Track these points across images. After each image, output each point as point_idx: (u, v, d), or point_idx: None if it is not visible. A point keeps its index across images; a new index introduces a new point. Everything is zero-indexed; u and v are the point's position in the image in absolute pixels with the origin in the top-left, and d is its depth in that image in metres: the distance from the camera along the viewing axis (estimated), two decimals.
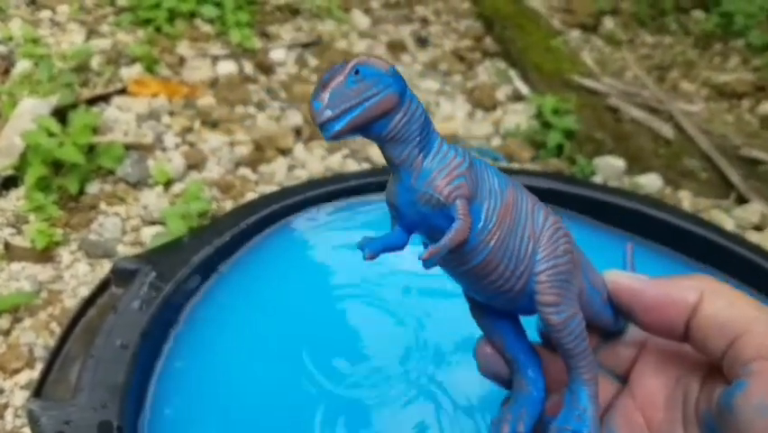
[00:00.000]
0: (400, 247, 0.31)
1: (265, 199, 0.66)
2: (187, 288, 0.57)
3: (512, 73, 1.66)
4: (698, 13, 1.95)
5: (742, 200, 1.34)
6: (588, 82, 1.59)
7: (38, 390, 0.48)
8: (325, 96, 0.27)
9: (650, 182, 1.35)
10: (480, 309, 0.35)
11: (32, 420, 0.44)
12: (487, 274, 0.31)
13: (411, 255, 0.31)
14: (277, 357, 0.56)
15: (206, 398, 0.53)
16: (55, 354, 0.52)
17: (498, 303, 0.33)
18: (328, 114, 0.27)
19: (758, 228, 1.27)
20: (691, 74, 1.75)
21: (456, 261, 0.31)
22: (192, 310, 0.57)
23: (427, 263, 0.29)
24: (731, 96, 1.67)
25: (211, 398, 0.53)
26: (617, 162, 1.38)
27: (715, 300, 0.32)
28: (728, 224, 1.25)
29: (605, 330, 0.36)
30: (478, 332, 0.36)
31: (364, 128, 0.28)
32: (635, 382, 0.36)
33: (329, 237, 0.65)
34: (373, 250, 0.30)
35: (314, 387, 0.54)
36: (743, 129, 1.56)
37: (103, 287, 0.57)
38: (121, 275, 0.56)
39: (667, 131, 1.48)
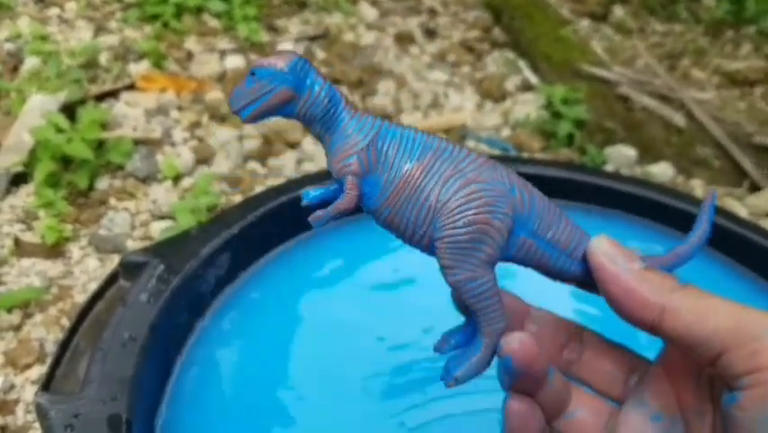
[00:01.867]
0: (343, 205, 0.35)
1: (274, 191, 0.65)
2: (196, 280, 0.57)
3: (521, 63, 1.65)
4: (708, 0, 1.93)
5: (755, 188, 1.32)
6: (598, 71, 1.58)
7: (46, 383, 0.48)
8: (232, 94, 0.33)
9: (662, 171, 1.34)
10: None
11: (41, 414, 0.44)
12: (394, 231, 0.35)
13: None
14: (289, 348, 0.56)
15: (217, 389, 0.53)
16: (63, 348, 0.51)
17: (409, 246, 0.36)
18: (234, 106, 0.33)
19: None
20: (703, 62, 1.73)
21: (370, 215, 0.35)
22: (201, 302, 0.57)
23: (314, 223, 0.34)
24: (743, 83, 1.65)
25: (221, 389, 0.53)
26: (629, 151, 1.37)
27: (681, 317, 0.31)
28: (742, 211, 1.24)
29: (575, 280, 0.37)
30: None
31: (271, 114, 0.33)
32: (668, 352, 0.35)
33: (339, 228, 0.65)
34: (310, 200, 0.35)
35: (332, 379, 0.54)
36: (755, 116, 1.54)
37: (111, 280, 0.57)
38: (129, 268, 0.56)
39: (679, 119, 1.47)
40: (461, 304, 0.37)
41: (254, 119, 0.33)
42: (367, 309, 0.60)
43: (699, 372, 0.34)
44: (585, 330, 0.38)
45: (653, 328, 0.32)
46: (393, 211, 0.34)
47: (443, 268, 0.34)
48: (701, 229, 0.36)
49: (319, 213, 0.34)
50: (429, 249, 0.34)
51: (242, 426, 0.51)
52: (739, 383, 0.30)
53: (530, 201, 0.35)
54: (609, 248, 0.34)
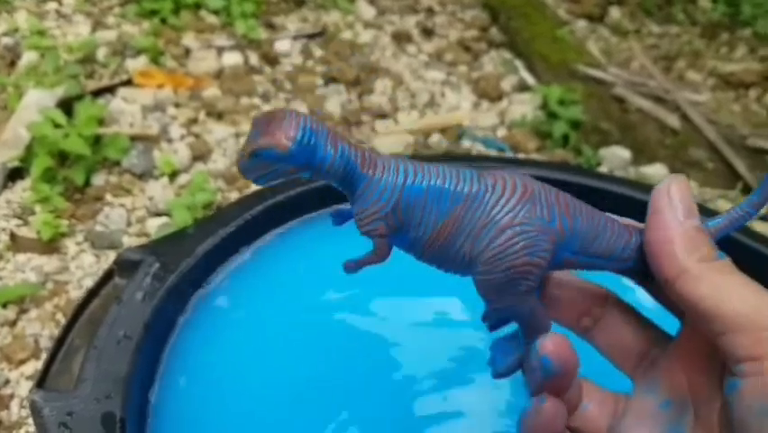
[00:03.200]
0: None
1: (271, 190, 0.65)
2: (191, 278, 0.57)
3: (518, 63, 1.65)
4: (705, 3, 1.94)
5: (748, 190, 1.33)
6: (594, 72, 1.58)
7: (41, 381, 0.48)
8: (240, 164, 0.32)
9: (656, 172, 1.35)
10: None
11: (35, 411, 0.45)
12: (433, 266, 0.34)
13: None
14: (286, 350, 0.56)
15: (211, 388, 0.53)
16: (58, 346, 0.52)
17: None
18: (248, 177, 0.32)
19: (764, 219, 1.26)
20: (698, 64, 1.74)
21: None
22: (197, 301, 0.57)
23: (346, 271, 0.34)
24: (738, 85, 1.66)
25: (216, 388, 0.53)
26: (623, 153, 1.38)
27: (697, 285, 0.31)
28: None
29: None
30: None
31: (288, 177, 0.32)
32: (683, 336, 0.35)
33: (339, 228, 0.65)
34: (339, 220, 0.36)
35: (327, 382, 0.54)
36: (750, 119, 1.55)
37: (106, 278, 0.57)
38: (124, 266, 0.56)
39: (673, 121, 1.48)
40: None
41: (270, 183, 0.33)
42: (368, 309, 0.60)
43: (711, 358, 0.33)
44: (611, 295, 0.37)
45: (667, 285, 0.32)
46: (428, 259, 0.34)
47: (481, 296, 0.34)
48: (755, 203, 0.34)
49: (350, 263, 0.34)
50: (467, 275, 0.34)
51: (237, 425, 0.52)
52: (740, 369, 0.29)
53: (572, 225, 0.34)
54: (676, 192, 0.33)
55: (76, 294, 0.95)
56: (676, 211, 0.32)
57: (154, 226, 1.08)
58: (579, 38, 1.76)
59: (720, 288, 0.30)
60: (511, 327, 0.37)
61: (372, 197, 0.32)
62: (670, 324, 0.36)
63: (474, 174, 0.33)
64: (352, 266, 0.34)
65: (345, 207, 0.36)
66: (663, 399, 0.34)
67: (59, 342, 0.52)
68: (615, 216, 0.36)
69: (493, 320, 0.38)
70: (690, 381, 0.34)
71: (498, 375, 0.36)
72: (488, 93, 1.52)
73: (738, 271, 0.32)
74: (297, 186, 0.64)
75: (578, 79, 1.56)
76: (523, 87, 1.58)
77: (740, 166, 1.37)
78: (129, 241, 1.05)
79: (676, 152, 1.42)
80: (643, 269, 0.34)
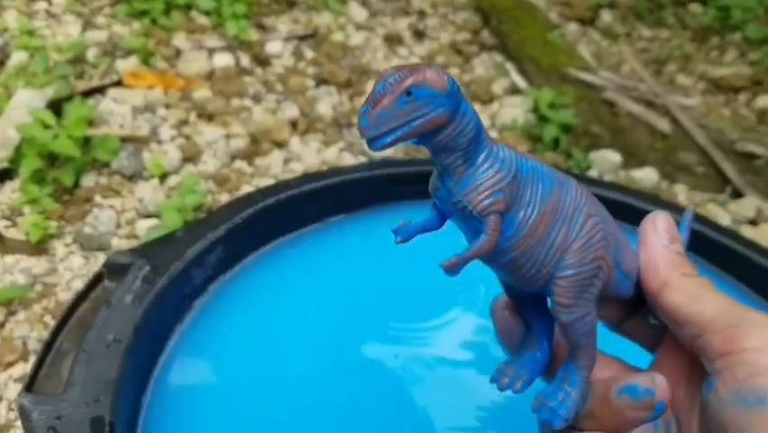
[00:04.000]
0: (435, 229, 0.33)
1: (261, 192, 0.65)
2: (181, 282, 0.57)
3: (509, 66, 1.66)
4: (695, 7, 1.95)
5: (737, 195, 1.34)
6: (585, 76, 1.59)
7: (29, 384, 0.48)
8: (374, 115, 0.28)
9: (646, 176, 1.35)
10: None
11: (23, 415, 0.44)
12: (513, 270, 0.32)
13: None
14: (274, 351, 0.56)
15: (201, 392, 0.53)
16: (47, 349, 0.51)
17: (518, 286, 0.35)
18: (373, 133, 0.28)
19: (753, 223, 1.27)
20: (688, 68, 1.75)
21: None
22: (187, 304, 0.57)
23: (448, 273, 0.30)
24: (728, 90, 1.67)
25: (206, 392, 0.53)
26: (614, 156, 1.38)
27: (676, 294, 0.34)
28: (724, 218, 1.25)
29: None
30: None
31: (408, 140, 0.29)
32: (661, 358, 0.38)
33: (326, 229, 0.65)
34: (407, 235, 0.32)
35: (320, 386, 0.54)
36: (739, 123, 1.56)
37: (96, 281, 0.57)
38: (114, 269, 0.56)
39: (663, 125, 1.48)
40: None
41: (390, 146, 0.29)
42: (357, 310, 0.60)
43: (690, 371, 0.36)
44: None
45: (654, 298, 0.35)
46: (521, 251, 0.31)
47: (560, 306, 0.32)
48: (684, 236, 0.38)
49: (454, 260, 0.30)
50: (543, 288, 0.33)
51: (226, 429, 0.52)
52: (714, 367, 0.32)
53: (616, 231, 0.34)
54: (663, 224, 0.37)
55: (64, 296, 0.95)
56: (661, 238, 0.37)
57: (144, 228, 1.07)
58: (570, 41, 1.76)
59: (696, 297, 0.34)
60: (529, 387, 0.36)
61: (494, 165, 0.30)
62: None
63: (552, 168, 0.33)
64: (457, 262, 0.30)
65: (410, 222, 0.32)
66: None
67: (48, 345, 0.52)
68: None
69: (521, 378, 0.36)
70: (672, 398, 0.35)
71: (565, 423, 0.34)
72: (479, 96, 1.52)
73: (716, 289, 0.35)
74: (288, 189, 0.64)
75: (569, 83, 1.56)
76: (514, 91, 1.58)
77: (729, 170, 1.38)
78: (118, 243, 1.04)
79: (666, 155, 1.42)
80: (636, 298, 0.37)
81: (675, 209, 0.69)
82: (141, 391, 0.51)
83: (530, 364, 0.36)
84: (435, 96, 0.28)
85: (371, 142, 0.28)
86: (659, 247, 0.36)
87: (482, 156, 0.30)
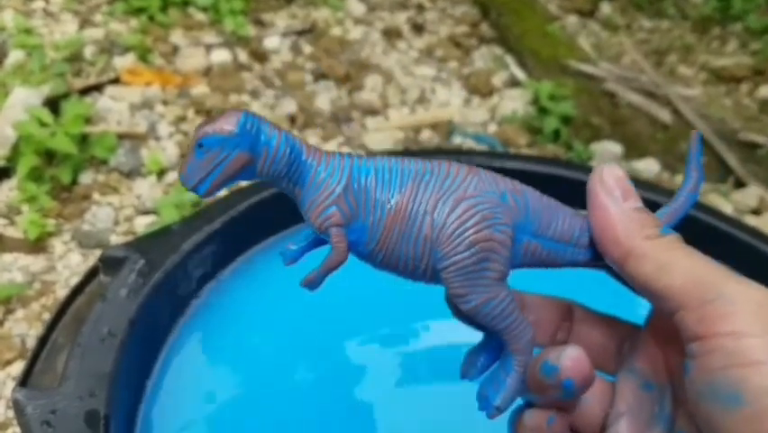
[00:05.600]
0: (322, 245, 0.33)
1: (256, 187, 0.65)
2: (176, 275, 0.56)
3: (508, 59, 1.65)
4: None
5: (740, 184, 1.33)
6: (585, 67, 1.58)
7: (24, 379, 0.48)
8: (184, 169, 0.30)
9: (647, 167, 1.35)
10: None
11: (18, 410, 0.44)
12: (392, 271, 0.32)
13: None
14: (270, 345, 0.56)
15: (196, 386, 0.52)
16: (42, 344, 0.51)
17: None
18: (189, 184, 0.30)
19: (756, 212, 1.26)
20: (689, 58, 1.74)
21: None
22: (182, 298, 0.57)
23: (308, 288, 0.32)
24: (729, 80, 1.66)
25: (201, 386, 0.53)
26: (615, 147, 1.37)
27: (641, 265, 0.30)
28: (726, 208, 1.25)
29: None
30: None
31: (230, 182, 0.31)
32: (653, 323, 0.34)
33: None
34: (294, 256, 0.34)
35: (313, 377, 0.54)
36: (741, 113, 1.55)
37: (91, 275, 0.57)
38: (109, 263, 0.56)
39: (665, 115, 1.47)
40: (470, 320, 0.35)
41: (213, 192, 0.31)
42: (355, 304, 0.60)
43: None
44: (574, 305, 0.37)
45: (619, 269, 0.32)
46: (387, 252, 0.32)
47: (454, 297, 0.32)
48: (693, 178, 0.35)
49: (311, 276, 0.32)
50: (433, 280, 0.32)
51: (221, 423, 0.51)
52: (690, 350, 0.28)
53: (524, 203, 0.33)
54: (610, 178, 0.32)
55: (63, 294, 0.94)
56: (613, 195, 0.32)
57: (142, 225, 1.07)
58: (569, 33, 1.75)
59: (665, 264, 0.30)
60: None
61: (322, 181, 0.31)
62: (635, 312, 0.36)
63: (417, 159, 0.33)
64: (314, 278, 0.32)
65: (293, 245, 0.34)
66: (644, 381, 0.33)
67: (43, 340, 0.51)
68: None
69: (475, 365, 0.35)
70: (666, 362, 0.33)
71: (496, 412, 0.33)
72: (478, 89, 1.52)
73: (685, 245, 0.31)
74: None
75: (569, 75, 1.55)
76: (514, 83, 1.57)
77: (731, 160, 1.37)
78: (117, 240, 1.04)
79: (667, 146, 1.41)
80: (598, 260, 0.34)
81: None
82: (136, 384, 0.51)
83: (487, 352, 0.35)
84: (225, 141, 0.29)
85: (194, 192, 0.31)
86: (612, 207, 0.32)
87: (310, 175, 0.31)
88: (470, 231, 0.31)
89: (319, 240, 0.33)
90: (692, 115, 1.48)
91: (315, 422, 0.51)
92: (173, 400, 0.51)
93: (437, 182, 0.32)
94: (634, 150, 1.39)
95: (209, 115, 1.31)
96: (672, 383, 0.33)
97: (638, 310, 0.35)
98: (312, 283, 0.32)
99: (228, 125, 0.30)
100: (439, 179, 0.32)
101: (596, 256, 0.34)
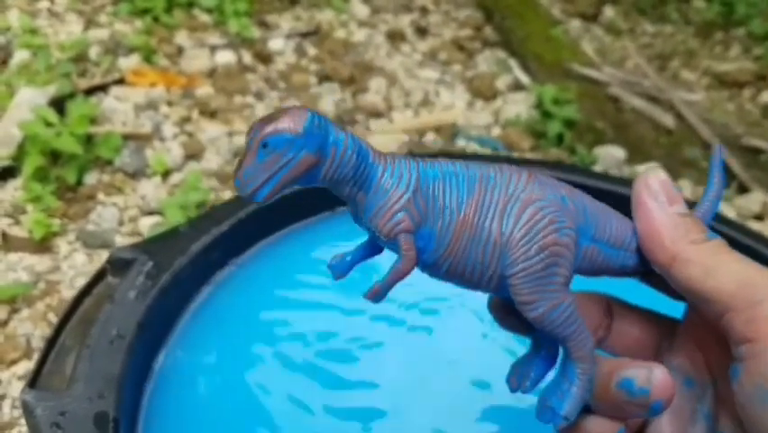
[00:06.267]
0: (373, 255, 0.32)
1: None
2: (185, 277, 0.57)
3: (512, 62, 1.65)
4: (699, 2, 1.94)
5: (743, 189, 1.33)
6: (588, 71, 1.58)
7: (32, 381, 0.48)
8: (241, 174, 0.28)
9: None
10: None
11: (27, 411, 0.44)
12: (455, 279, 0.31)
13: None
14: (276, 348, 0.56)
15: (204, 388, 0.53)
16: (50, 345, 0.51)
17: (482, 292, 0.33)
18: (247, 190, 0.28)
19: (759, 218, 1.26)
20: (692, 63, 1.74)
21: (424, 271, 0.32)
22: (191, 300, 0.57)
23: (373, 300, 0.30)
24: (732, 85, 1.66)
25: (208, 388, 0.53)
26: (618, 152, 1.37)
27: (687, 268, 0.30)
28: (729, 213, 1.25)
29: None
30: None
31: (291, 186, 0.29)
32: (692, 322, 0.34)
33: (333, 217, 0.65)
34: (344, 269, 0.32)
35: (318, 380, 0.54)
36: (744, 118, 1.55)
37: (99, 277, 0.57)
38: (117, 265, 0.56)
39: (668, 120, 1.48)
40: (516, 325, 0.34)
41: (271, 198, 0.29)
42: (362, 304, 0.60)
43: (722, 336, 0.32)
44: (611, 300, 0.37)
45: (665, 273, 0.32)
46: (455, 259, 0.30)
47: (521, 304, 0.31)
48: (715, 186, 0.35)
49: (376, 288, 0.30)
50: (498, 289, 0.31)
51: (228, 423, 0.51)
52: (739, 353, 0.29)
53: (582, 206, 0.33)
54: (655, 183, 0.33)
55: (68, 294, 0.94)
56: (658, 200, 0.32)
57: (147, 226, 1.07)
58: (573, 37, 1.76)
59: (711, 268, 0.30)
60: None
61: (390, 186, 0.29)
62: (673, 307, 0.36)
63: (478, 163, 0.32)
64: (379, 290, 0.30)
65: (342, 253, 0.32)
66: (685, 377, 0.33)
67: (51, 342, 0.51)
68: None
69: (528, 377, 0.35)
70: (706, 359, 0.33)
71: (564, 422, 0.32)
72: (482, 92, 1.52)
73: (730, 249, 0.31)
74: None
75: (572, 79, 1.56)
76: (517, 87, 1.57)
77: (734, 165, 1.37)
78: (121, 240, 1.04)
79: (670, 151, 1.42)
80: (647, 267, 0.34)
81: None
82: (145, 386, 0.51)
83: (538, 362, 0.35)
84: (292, 141, 0.28)
85: (251, 198, 0.28)
86: (657, 212, 0.32)
87: (376, 179, 0.30)
88: (540, 235, 0.30)
89: (370, 251, 0.32)
90: (695, 119, 1.48)
91: (320, 415, 0.51)
92: (180, 402, 0.51)
93: (502, 186, 0.31)
94: (637, 154, 1.39)
95: (213, 116, 1.32)
96: (714, 382, 0.33)
97: (677, 306, 0.35)
98: (377, 295, 0.30)
99: (296, 124, 0.28)
100: (503, 183, 0.31)
101: (642, 261, 0.34)
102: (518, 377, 0.35)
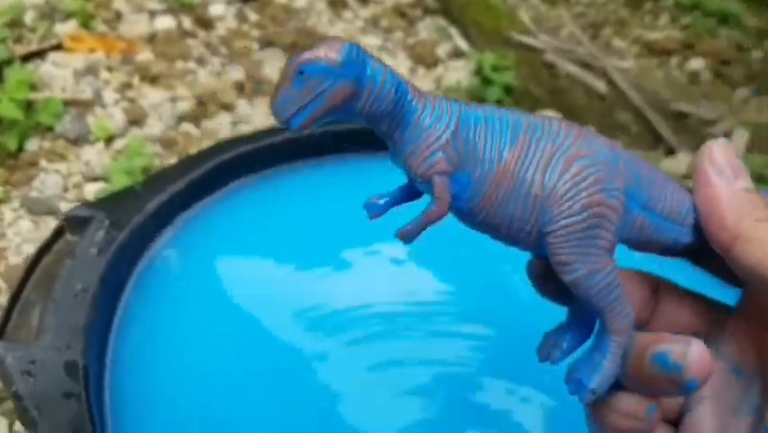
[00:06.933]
0: (410, 199, 0.32)
1: (218, 147, 0.66)
2: (142, 234, 0.58)
3: (452, 30, 1.68)
4: None
5: (670, 152, 1.40)
6: (525, 39, 1.62)
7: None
8: (277, 101, 0.28)
9: None
10: None
11: None
12: (491, 231, 0.31)
13: None
14: (237, 297, 0.58)
15: (164, 335, 0.55)
16: (14, 301, 0.52)
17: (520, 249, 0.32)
18: (283, 116, 0.28)
19: (686, 177, 1.33)
20: (623, 32, 1.80)
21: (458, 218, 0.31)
22: (150, 255, 0.58)
23: (404, 241, 0.29)
24: (661, 53, 1.73)
25: (169, 335, 0.55)
26: (554, 116, 1.42)
27: (751, 249, 0.28)
28: None
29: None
30: None
31: (326, 117, 0.28)
32: (747, 309, 0.32)
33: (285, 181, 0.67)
34: (379, 210, 0.31)
35: (273, 333, 0.56)
36: (672, 85, 1.62)
37: (57, 235, 0.58)
38: (74, 222, 0.57)
39: (600, 86, 1.53)
40: (556, 293, 0.33)
41: (307, 126, 0.28)
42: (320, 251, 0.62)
43: None
44: (661, 281, 0.35)
45: (725, 253, 0.30)
46: (491, 210, 0.29)
47: (558, 264, 0.29)
48: None
49: (407, 228, 0.29)
50: (536, 245, 0.30)
51: (188, 370, 0.53)
52: None
53: (635, 170, 0.31)
54: (721, 155, 0.30)
55: (15, 260, 0.94)
56: (722, 174, 0.30)
57: (92, 192, 1.07)
58: (510, 5, 1.79)
59: None
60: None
61: (428, 125, 0.29)
62: (724, 294, 0.35)
63: (527, 113, 0.31)
64: (410, 230, 0.29)
65: (379, 199, 0.31)
66: (733, 365, 0.32)
67: (14, 297, 0.53)
68: None
69: (560, 347, 0.33)
70: (759, 349, 0.32)
71: (591, 396, 0.31)
72: (423, 59, 1.54)
73: None
74: (251, 143, 0.65)
75: (510, 46, 1.59)
76: (458, 54, 1.60)
77: (663, 129, 1.44)
78: (67, 206, 1.03)
79: (603, 116, 1.47)
80: (699, 241, 0.32)
81: None
82: (109, 336, 0.52)
83: (572, 333, 0.34)
84: (329, 70, 0.27)
85: (286, 125, 0.28)
86: (721, 187, 0.29)
87: (415, 116, 0.29)
88: (584, 193, 0.29)
89: (407, 195, 0.31)
90: (626, 85, 1.54)
91: (294, 379, 0.53)
92: (144, 349, 0.53)
93: (549, 138, 0.30)
94: (571, 118, 1.44)
95: (154, 82, 1.31)
96: (764, 370, 0.31)
97: (728, 291, 0.34)
98: (408, 236, 0.29)
99: (333, 53, 0.27)
100: (551, 135, 0.30)
101: (699, 238, 0.32)
102: (549, 347, 0.34)
